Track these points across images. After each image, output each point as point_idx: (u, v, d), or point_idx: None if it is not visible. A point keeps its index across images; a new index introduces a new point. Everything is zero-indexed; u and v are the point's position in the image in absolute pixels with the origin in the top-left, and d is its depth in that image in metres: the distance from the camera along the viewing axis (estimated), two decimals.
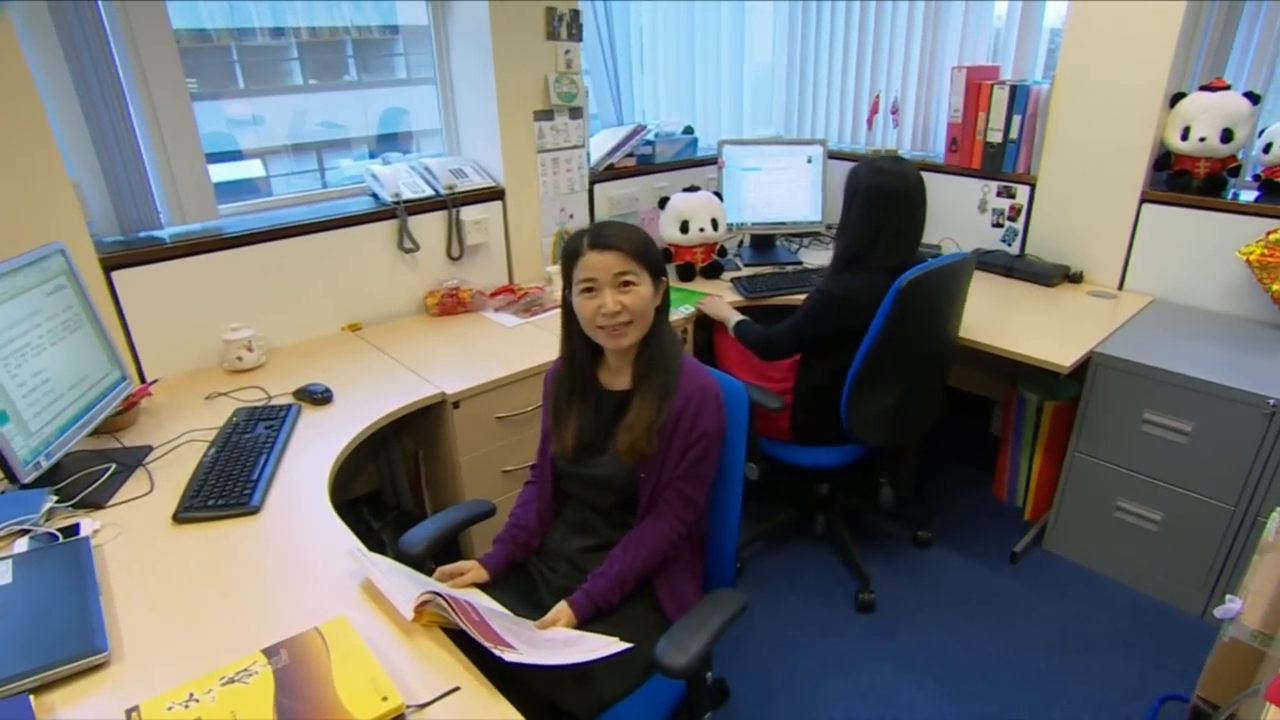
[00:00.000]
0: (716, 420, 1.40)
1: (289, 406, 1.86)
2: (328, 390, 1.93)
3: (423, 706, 1.02)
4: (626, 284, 1.35)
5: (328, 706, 0.97)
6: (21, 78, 1.69)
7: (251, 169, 2.80)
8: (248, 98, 2.88)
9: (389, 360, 2.16)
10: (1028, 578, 2.37)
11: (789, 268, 2.84)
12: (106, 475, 1.58)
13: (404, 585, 1.22)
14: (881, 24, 3.12)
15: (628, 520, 1.45)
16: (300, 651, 1.07)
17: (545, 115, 2.64)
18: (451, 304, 2.49)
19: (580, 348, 1.45)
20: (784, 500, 2.61)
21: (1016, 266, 2.70)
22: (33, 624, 1.15)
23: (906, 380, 2.14)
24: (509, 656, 1.07)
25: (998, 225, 2.86)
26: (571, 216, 2.84)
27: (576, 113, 2.72)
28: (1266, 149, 2.30)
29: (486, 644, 1.09)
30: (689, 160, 3.17)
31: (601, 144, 2.97)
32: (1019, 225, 2.80)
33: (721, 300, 2.49)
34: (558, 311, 1.46)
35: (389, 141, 3.02)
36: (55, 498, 1.48)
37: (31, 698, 1.02)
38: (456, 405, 1.97)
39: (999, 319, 2.35)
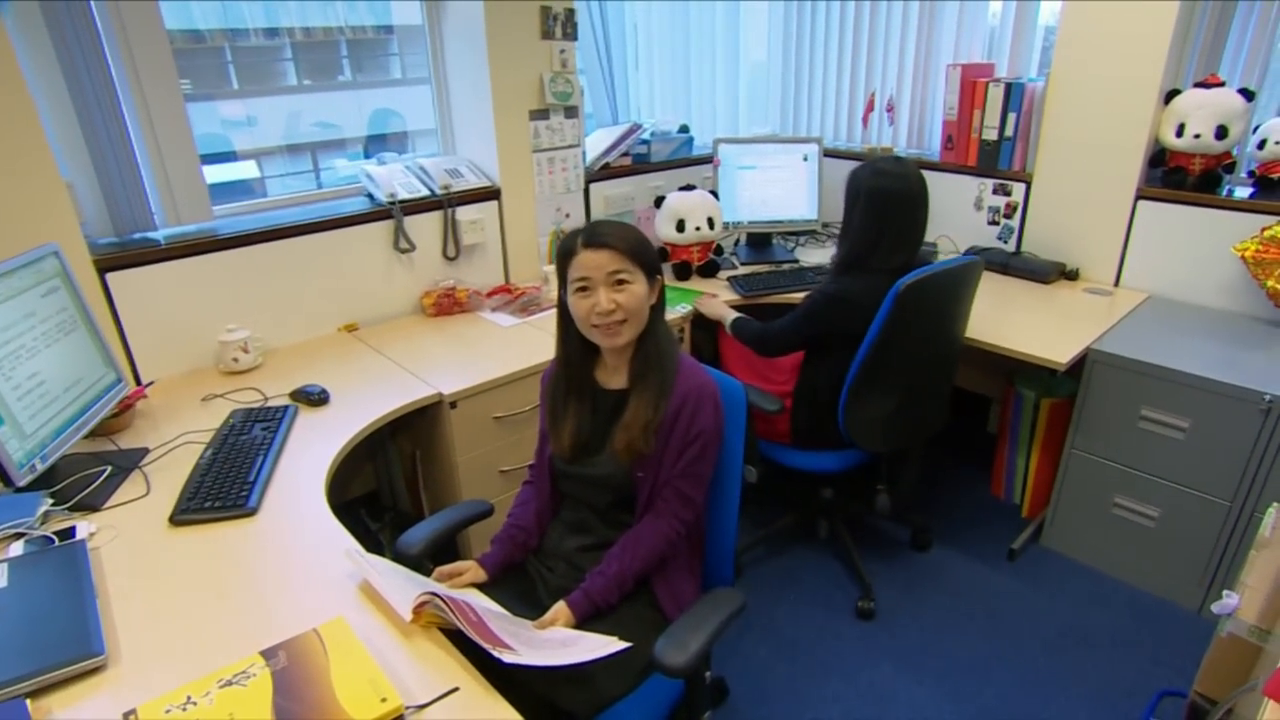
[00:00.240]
0: (714, 419, 1.40)
1: (285, 408, 1.85)
2: (324, 391, 1.92)
3: (422, 707, 1.02)
4: (621, 282, 1.34)
5: (326, 708, 0.97)
6: (14, 78, 1.68)
7: (246, 170, 2.80)
8: (242, 98, 2.87)
9: (385, 361, 2.16)
10: (1025, 575, 2.38)
11: (785, 266, 2.84)
12: (102, 478, 1.57)
13: (402, 586, 1.22)
14: (876, 22, 3.12)
15: (625, 520, 1.45)
16: (298, 653, 1.06)
17: (541, 114, 2.64)
18: (448, 304, 2.49)
19: (576, 347, 1.45)
20: (786, 504, 2.60)
21: (1012, 264, 2.70)
22: (29, 627, 1.14)
23: (906, 386, 2.10)
24: (507, 658, 1.07)
25: (993, 223, 2.86)
26: (568, 216, 2.83)
27: (572, 112, 2.72)
28: (1261, 145, 2.31)
29: (484, 645, 1.09)
30: (684, 159, 3.16)
31: (597, 143, 2.96)
32: (1015, 223, 2.81)
33: (718, 299, 2.48)
34: (554, 311, 1.45)
35: (378, 142, 3.02)
36: (51, 501, 1.47)
37: (28, 702, 1.02)
38: (453, 405, 1.97)
39: (995, 316, 2.35)
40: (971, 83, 2.75)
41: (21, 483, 1.42)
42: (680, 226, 2.68)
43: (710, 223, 2.71)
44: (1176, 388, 2.04)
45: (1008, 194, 2.80)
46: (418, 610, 1.16)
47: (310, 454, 1.69)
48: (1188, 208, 2.40)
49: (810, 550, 2.53)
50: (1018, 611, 2.24)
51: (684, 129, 3.20)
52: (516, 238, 2.72)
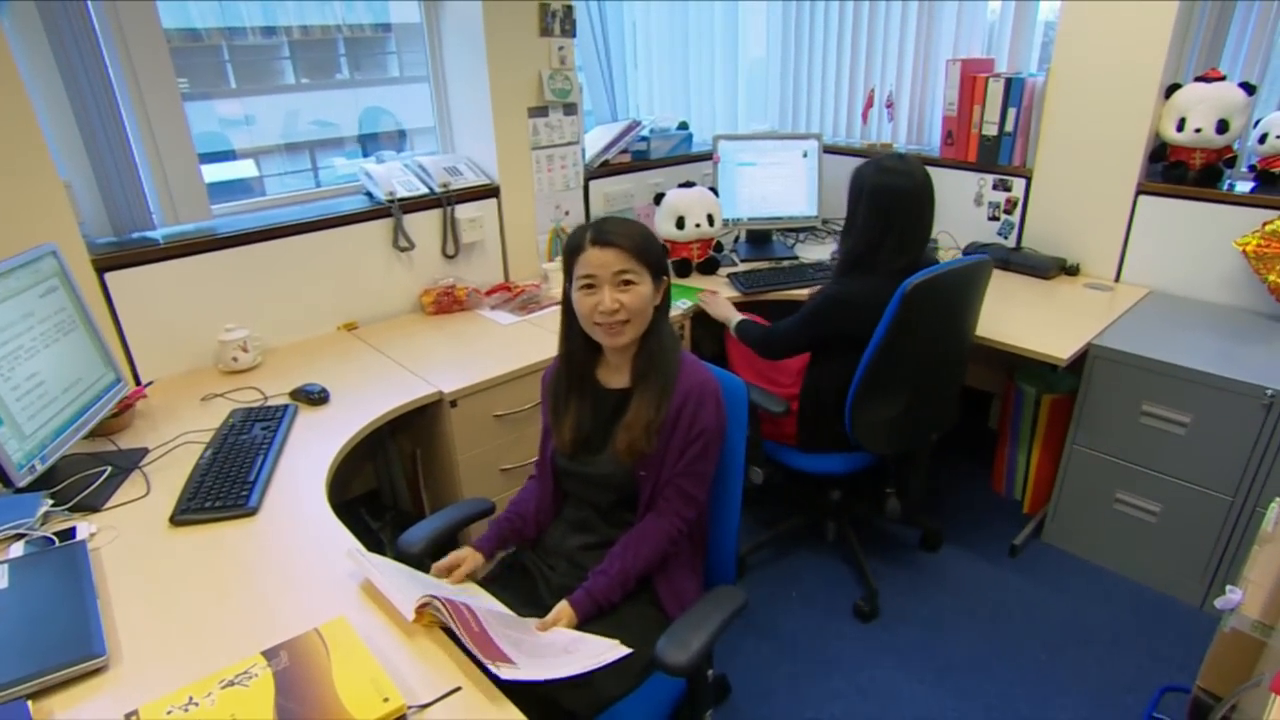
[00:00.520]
0: (716, 417, 1.39)
1: (285, 407, 1.85)
2: (324, 390, 1.92)
3: (424, 707, 1.02)
4: (626, 283, 1.34)
5: (328, 708, 0.97)
6: (11, 78, 1.68)
7: (244, 169, 2.79)
8: (240, 97, 2.87)
9: (385, 359, 2.16)
10: (1027, 571, 2.37)
11: (785, 262, 2.84)
12: (102, 478, 1.57)
13: (404, 585, 1.22)
14: (876, 17, 3.11)
15: (628, 518, 1.44)
16: (300, 653, 1.06)
17: (540, 112, 2.63)
18: (447, 302, 2.48)
19: (579, 344, 1.44)
20: (794, 506, 2.59)
21: (1013, 259, 2.70)
22: (30, 629, 1.14)
23: (913, 388, 2.06)
24: (505, 673, 1.05)
25: (994, 218, 2.86)
26: (567, 213, 2.83)
27: (571, 109, 2.71)
28: (1262, 139, 2.31)
29: (484, 660, 1.07)
30: (684, 156, 3.16)
31: (596, 140, 2.96)
32: (1015, 218, 2.80)
33: (722, 299, 2.47)
34: (554, 309, 1.45)
35: (371, 141, 3.01)
36: (51, 501, 1.46)
37: (29, 703, 1.01)
38: (454, 404, 1.97)
39: (996, 312, 2.34)
40: (971, 78, 2.75)
41: (21, 483, 1.42)
42: (680, 223, 2.68)
43: (710, 219, 2.71)
44: (1178, 383, 2.03)
45: (1008, 189, 2.79)
46: (420, 610, 1.15)
47: (310, 453, 1.69)
48: (1188, 202, 2.39)
49: (815, 551, 2.53)
50: (1019, 608, 2.24)
51: (683, 125, 3.19)
52: (516, 235, 2.71)
